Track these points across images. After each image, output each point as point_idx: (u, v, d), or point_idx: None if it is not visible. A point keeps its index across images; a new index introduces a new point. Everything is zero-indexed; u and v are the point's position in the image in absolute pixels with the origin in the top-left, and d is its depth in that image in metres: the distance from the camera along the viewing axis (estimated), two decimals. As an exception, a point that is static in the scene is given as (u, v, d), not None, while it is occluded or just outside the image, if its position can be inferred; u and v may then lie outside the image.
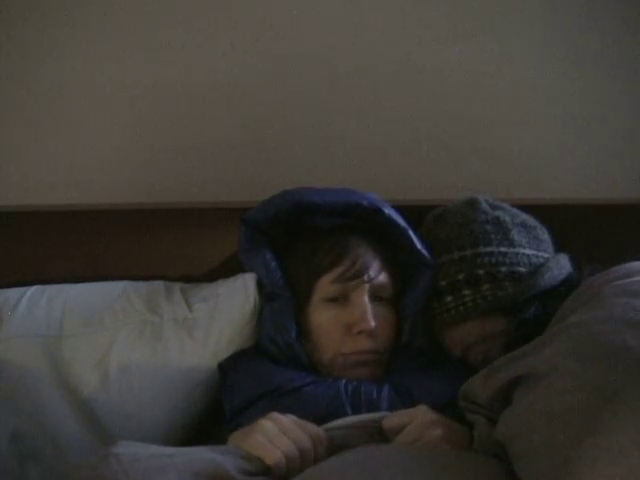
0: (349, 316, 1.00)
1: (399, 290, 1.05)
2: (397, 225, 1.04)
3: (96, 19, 1.29)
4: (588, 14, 1.33)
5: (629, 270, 0.84)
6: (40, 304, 1.11)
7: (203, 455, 0.74)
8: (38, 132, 1.33)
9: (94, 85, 1.31)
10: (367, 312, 0.99)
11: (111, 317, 1.09)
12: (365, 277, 1.01)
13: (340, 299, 1.02)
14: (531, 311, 0.96)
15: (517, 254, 1.01)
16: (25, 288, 1.14)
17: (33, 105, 1.32)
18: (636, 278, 0.80)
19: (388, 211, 1.04)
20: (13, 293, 1.12)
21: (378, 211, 1.03)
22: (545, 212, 1.09)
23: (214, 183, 1.34)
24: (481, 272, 1.00)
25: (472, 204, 1.08)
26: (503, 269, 0.99)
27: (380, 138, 1.37)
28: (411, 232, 1.04)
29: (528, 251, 1.02)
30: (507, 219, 1.05)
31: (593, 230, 1.17)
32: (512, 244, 1.02)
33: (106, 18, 1.29)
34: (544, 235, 1.07)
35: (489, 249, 1.01)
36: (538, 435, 0.66)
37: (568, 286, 0.96)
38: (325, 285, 1.02)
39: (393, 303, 1.04)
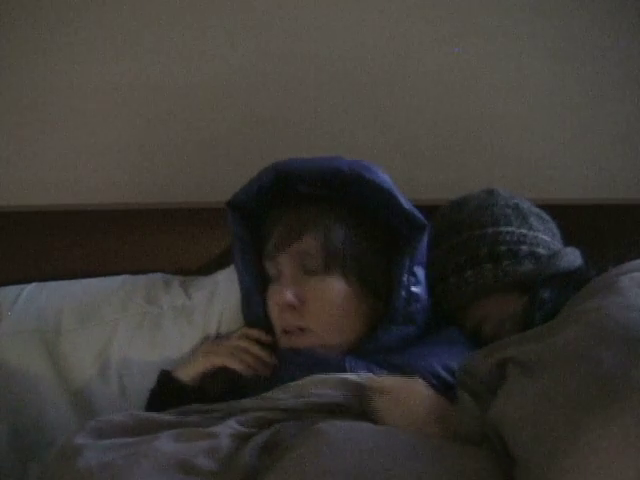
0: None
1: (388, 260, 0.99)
2: (382, 189, 0.97)
3: (94, 20, 1.29)
4: (588, 14, 1.33)
5: (635, 266, 0.84)
6: (39, 300, 1.11)
7: (167, 449, 0.74)
8: (38, 132, 1.33)
9: (94, 85, 1.31)
10: (282, 284, 0.96)
11: (110, 310, 1.09)
12: (285, 249, 0.96)
13: (276, 277, 0.99)
14: (548, 293, 0.96)
15: (536, 237, 1.03)
16: (24, 285, 1.14)
17: (32, 106, 1.31)
18: None
19: (370, 175, 0.97)
20: (12, 290, 1.13)
21: (359, 176, 0.97)
22: (545, 212, 1.09)
23: (214, 183, 1.34)
24: (503, 248, 1.00)
25: (491, 192, 1.10)
26: (524, 247, 1.01)
27: (379, 138, 1.37)
28: (397, 193, 0.98)
29: (546, 237, 1.04)
30: (525, 206, 1.07)
31: (593, 230, 1.17)
32: (531, 228, 1.04)
33: (104, 19, 1.29)
34: (555, 230, 1.08)
35: (510, 229, 1.02)
36: (540, 423, 0.65)
37: (582, 275, 0.96)
38: (265, 266, 1.00)
39: (344, 277, 0.96)
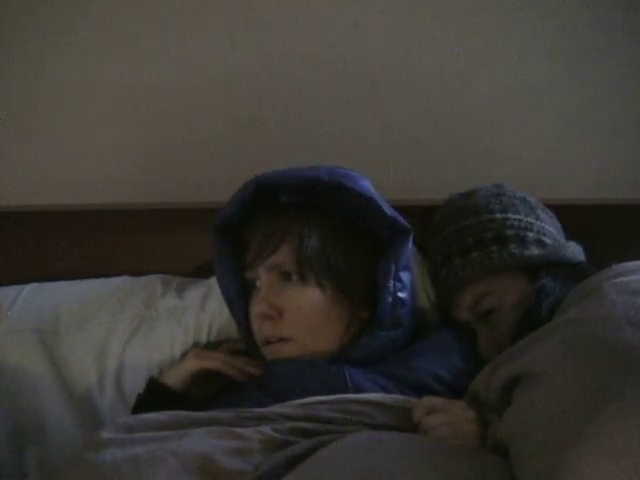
0: None
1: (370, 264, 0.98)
2: (363, 196, 0.96)
3: (94, 20, 1.29)
4: (588, 14, 1.33)
5: (628, 268, 0.84)
6: (38, 300, 1.11)
7: (194, 446, 0.74)
8: (38, 132, 1.32)
9: (95, 85, 1.31)
10: (259, 294, 0.96)
11: (108, 312, 1.09)
12: (262, 261, 0.96)
13: (257, 287, 0.99)
14: (552, 282, 0.96)
15: (543, 227, 1.04)
16: (23, 285, 1.14)
17: (32, 105, 1.31)
18: (635, 277, 0.80)
19: (349, 183, 0.96)
20: (11, 290, 1.13)
21: (339, 184, 0.96)
22: (546, 212, 1.10)
23: (214, 183, 1.33)
24: (510, 232, 1.01)
25: (499, 185, 1.11)
26: (531, 234, 1.02)
27: (379, 138, 1.37)
28: (379, 199, 0.97)
29: (552, 229, 1.05)
30: (532, 200, 1.08)
31: (593, 230, 1.17)
32: (538, 218, 1.05)
33: (104, 19, 1.29)
34: (559, 227, 1.09)
35: (518, 216, 1.04)
36: (538, 435, 0.65)
37: (585, 271, 0.97)
38: (246, 276, 1.00)
39: (319, 285, 0.95)
